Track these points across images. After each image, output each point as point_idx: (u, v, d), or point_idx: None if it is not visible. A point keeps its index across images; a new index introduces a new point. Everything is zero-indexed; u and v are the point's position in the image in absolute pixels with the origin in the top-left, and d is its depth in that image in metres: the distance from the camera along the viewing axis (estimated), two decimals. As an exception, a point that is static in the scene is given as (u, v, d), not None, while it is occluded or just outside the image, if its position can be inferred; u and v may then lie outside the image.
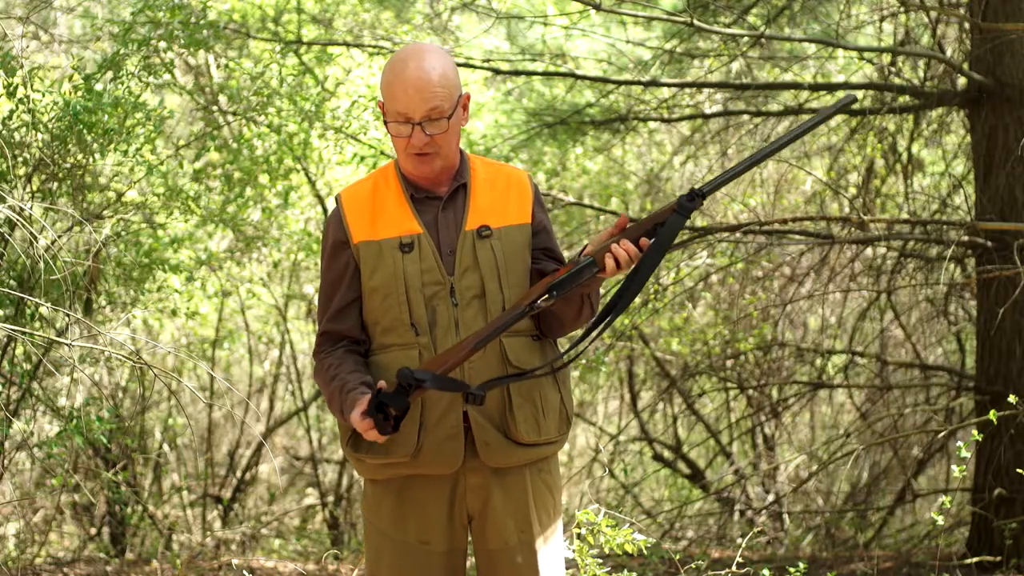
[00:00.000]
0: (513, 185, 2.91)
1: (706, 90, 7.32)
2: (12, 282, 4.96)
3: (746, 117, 6.89)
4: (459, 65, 5.87)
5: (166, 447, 8.39)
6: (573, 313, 2.84)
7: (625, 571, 4.58)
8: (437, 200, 2.87)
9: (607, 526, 4.06)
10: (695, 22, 5.41)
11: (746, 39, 6.19)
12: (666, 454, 8.84)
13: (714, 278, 7.71)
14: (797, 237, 6.00)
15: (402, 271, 2.80)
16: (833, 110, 2.79)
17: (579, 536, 4.13)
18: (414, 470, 2.81)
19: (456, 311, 2.79)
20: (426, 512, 2.84)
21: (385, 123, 2.82)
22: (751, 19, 6.58)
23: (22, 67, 4.96)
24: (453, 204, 2.87)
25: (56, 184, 5.11)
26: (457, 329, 2.78)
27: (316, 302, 9.04)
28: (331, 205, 7.99)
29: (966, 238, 5.79)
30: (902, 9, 6.19)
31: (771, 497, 7.86)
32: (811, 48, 6.73)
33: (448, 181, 2.88)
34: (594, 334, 2.79)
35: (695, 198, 2.73)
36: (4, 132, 4.89)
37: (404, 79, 2.76)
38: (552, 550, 2.91)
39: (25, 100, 4.87)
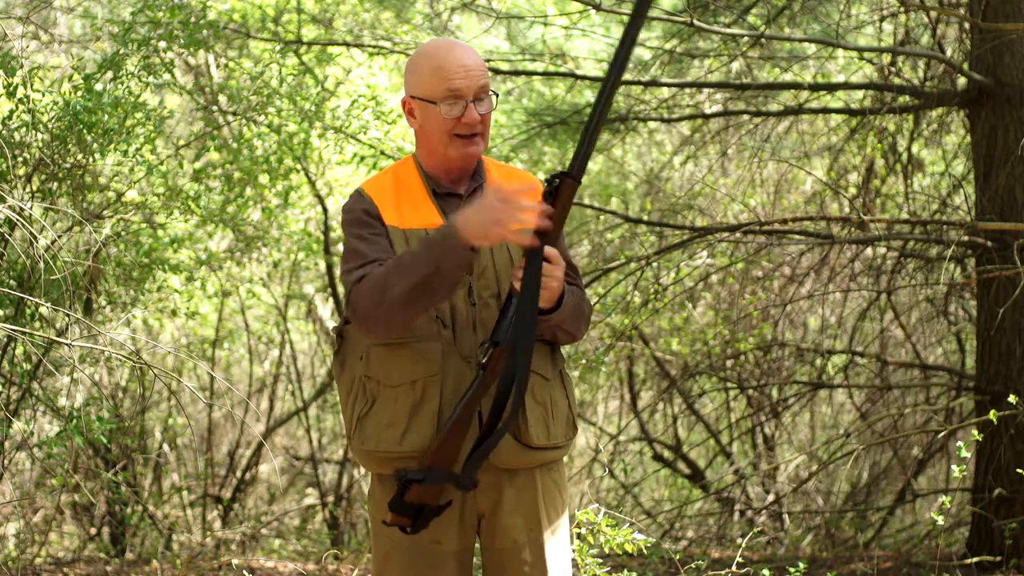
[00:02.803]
0: (529, 190, 2.91)
1: (706, 90, 7.32)
2: (12, 282, 4.96)
3: (746, 117, 6.89)
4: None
5: (166, 447, 8.39)
6: (563, 336, 2.86)
7: (625, 571, 4.58)
8: (458, 198, 2.87)
9: (607, 526, 4.06)
10: (695, 22, 5.40)
11: (746, 39, 6.19)
12: (666, 454, 8.84)
13: (714, 278, 7.71)
14: (797, 237, 6.00)
15: None
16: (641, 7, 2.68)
17: (579, 536, 4.13)
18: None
19: (475, 311, 2.79)
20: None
21: (431, 108, 2.79)
22: (751, 19, 6.58)
23: (22, 67, 4.96)
24: (471, 203, 2.87)
25: (56, 184, 5.11)
26: (475, 328, 2.78)
27: (317, 297, 9.06)
28: (331, 204, 8.00)
29: (966, 238, 5.79)
30: (902, 9, 6.19)
31: (771, 497, 7.86)
32: (811, 48, 6.73)
33: (466, 180, 2.89)
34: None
35: (553, 180, 2.69)
36: (4, 132, 4.89)
37: (455, 58, 2.79)
38: (559, 547, 2.92)
39: (25, 100, 4.87)
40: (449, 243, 2.63)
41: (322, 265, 8.24)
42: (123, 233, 5.62)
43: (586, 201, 8.27)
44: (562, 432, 2.88)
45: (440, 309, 2.78)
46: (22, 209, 4.45)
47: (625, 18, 6.98)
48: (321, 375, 9.36)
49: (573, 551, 4.08)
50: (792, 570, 4.30)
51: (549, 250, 2.69)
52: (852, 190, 7.46)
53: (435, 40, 2.86)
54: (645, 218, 7.80)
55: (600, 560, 4.15)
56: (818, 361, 7.72)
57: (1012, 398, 4.36)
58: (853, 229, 5.68)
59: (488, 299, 2.81)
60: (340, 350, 2.90)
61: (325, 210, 7.82)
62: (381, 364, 2.80)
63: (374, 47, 6.81)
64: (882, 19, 6.52)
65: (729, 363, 7.83)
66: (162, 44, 5.36)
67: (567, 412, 2.90)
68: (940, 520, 4.23)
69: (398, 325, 2.71)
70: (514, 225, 2.59)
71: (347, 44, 6.84)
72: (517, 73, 6.90)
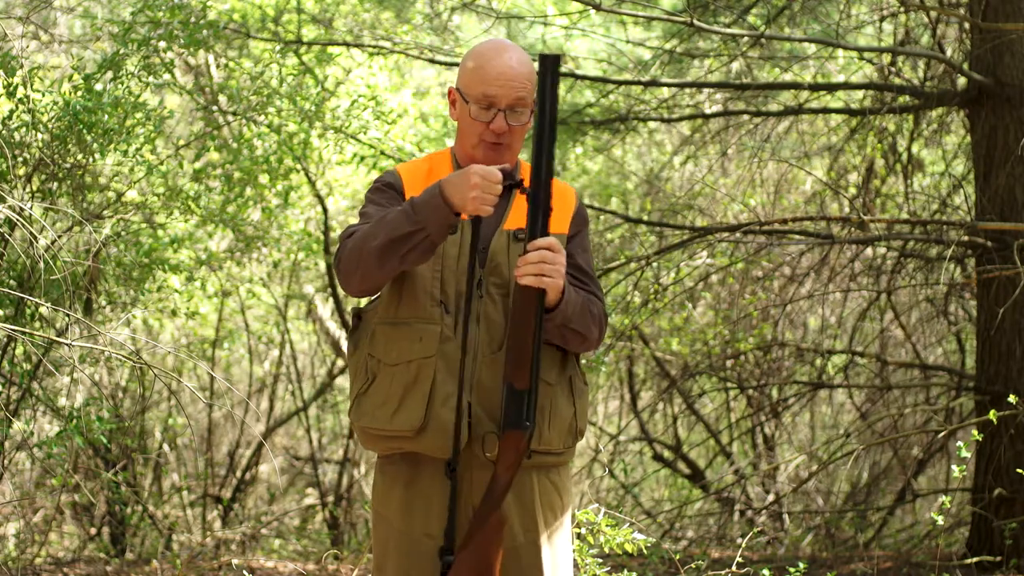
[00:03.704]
0: (556, 196, 2.90)
1: (706, 90, 7.32)
2: (12, 282, 4.96)
3: (746, 117, 6.89)
4: (458, 65, 5.86)
5: (166, 447, 8.39)
6: (574, 337, 2.85)
7: (625, 571, 4.58)
8: None
9: (607, 526, 4.06)
10: (695, 22, 5.40)
11: (746, 39, 6.19)
12: (666, 454, 8.84)
13: (714, 278, 7.71)
14: (797, 237, 6.00)
15: (441, 247, 2.80)
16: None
17: (579, 536, 4.13)
18: (414, 447, 2.80)
19: (482, 304, 2.80)
20: (432, 506, 2.83)
21: (466, 105, 2.82)
22: (751, 19, 6.58)
23: (22, 67, 4.96)
24: (498, 201, 2.87)
25: (56, 184, 5.11)
26: (477, 320, 2.79)
27: (317, 297, 9.06)
28: (332, 205, 8.00)
29: (966, 238, 5.79)
30: (902, 9, 6.19)
31: (771, 497, 7.86)
32: (811, 48, 6.73)
33: None
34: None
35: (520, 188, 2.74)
36: (4, 132, 4.89)
37: (498, 64, 2.82)
38: (558, 550, 2.90)
39: (25, 100, 4.87)
40: (435, 204, 2.67)
41: (322, 265, 8.24)
42: (123, 233, 5.62)
43: (586, 201, 8.27)
44: (558, 440, 2.86)
45: (447, 294, 2.79)
46: (22, 209, 4.45)
47: (625, 18, 6.99)
48: (321, 375, 9.36)
49: (573, 551, 4.08)
50: (792, 570, 4.30)
51: (551, 241, 2.69)
52: (852, 190, 7.46)
53: (493, 40, 2.90)
54: (645, 218, 7.80)
55: (600, 560, 4.15)
56: (818, 361, 7.72)
57: (1012, 398, 4.36)
58: (853, 229, 5.68)
59: (495, 294, 2.81)
60: (355, 331, 2.93)
61: (325, 210, 7.82)
62: (384, 343, 2.82)
63: (374, 47, 6.81)
64: (882, 19, 6.52)
65: (729, 363, 7.83)
66: (162, 44, 5.36)
67: (570, 421, 2.88)
68: (940, 520, 4.23)
69: (372, 278, 2.74)
70: (488, 203, 2.65)
71: (347, 44, 6.84)
72: (517, 73, 6.89)
